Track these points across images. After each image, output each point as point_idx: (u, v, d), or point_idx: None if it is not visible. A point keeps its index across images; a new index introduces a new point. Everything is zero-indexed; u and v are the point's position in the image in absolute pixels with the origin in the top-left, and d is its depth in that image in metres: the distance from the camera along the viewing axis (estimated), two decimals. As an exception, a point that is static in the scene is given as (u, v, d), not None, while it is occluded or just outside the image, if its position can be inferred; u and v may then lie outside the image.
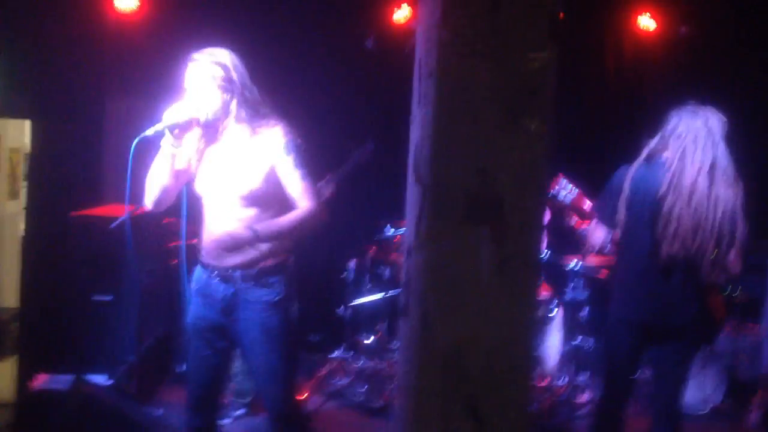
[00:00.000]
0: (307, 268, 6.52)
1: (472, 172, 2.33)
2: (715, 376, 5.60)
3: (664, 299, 3.86)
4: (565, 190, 4.54)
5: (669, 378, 3.98)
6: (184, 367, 4.37)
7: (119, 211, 4.26)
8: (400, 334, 2.57)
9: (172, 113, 3.17)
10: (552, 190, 4.44)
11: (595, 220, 4.10)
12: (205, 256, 3.37)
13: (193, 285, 3.43)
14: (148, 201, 3.32)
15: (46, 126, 5.04)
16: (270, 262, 3.33)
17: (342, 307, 5.46)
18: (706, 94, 4.10)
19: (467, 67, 2.31)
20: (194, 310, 3.42)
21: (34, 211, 4.99)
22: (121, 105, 5.38)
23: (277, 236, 3.27)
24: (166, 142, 3.21)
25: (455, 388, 2.37)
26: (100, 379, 4.50)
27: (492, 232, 2.36)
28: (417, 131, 2.46)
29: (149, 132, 3.17)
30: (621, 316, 3.99)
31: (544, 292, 5.57)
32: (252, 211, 3.27)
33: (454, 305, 2.37)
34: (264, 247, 3.27)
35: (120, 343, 4.71)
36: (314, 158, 4.90)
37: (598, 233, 4.09)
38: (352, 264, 5.43)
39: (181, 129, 3.19)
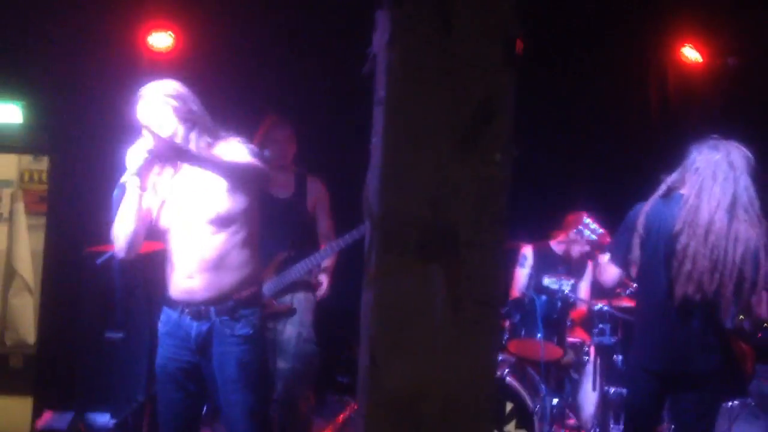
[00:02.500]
0: (337, 308, 6.46)
1: (424, 204, 2.19)
2: (763, 429, 5.23)
3: (682, 346, 3.59)
4: (589, 229, 4.34)
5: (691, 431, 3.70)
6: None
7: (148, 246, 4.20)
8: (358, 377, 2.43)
9: (135, 154, 3.10)
10: (576, 230, 4.24)
11: (608, 258, 3.88)
12: (174, 293, 3.27)
13: (161, 327, 3.34)
14: (121, 250, 3.23)
15: (66, 162, 5.09)
16: (244, 294, 3.23)
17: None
18: (752, 127, 3.85)
19: (418, 92, 2.19)
20: (164, 352, 3.31)
21: (52, 247, 5.02)
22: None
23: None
24: (133, 186, 3.13)
25: (407, 436, 2.21)
26: (104, 419, 4.44)
27: (446, 269, 2.21)
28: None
29: (125, 179, 3.13)
30: (639, 364, 3.76)
31: (579, 336, 5.33)
32: (223, 236, 3.19)
33: (405, 347, 2.22)
34: (239, 276, 3.20)
35: (129, 383, 4.65)
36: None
37: (609, 272, 3.88)
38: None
39: (146, 168, 3.14)
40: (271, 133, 4.71)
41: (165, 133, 3.14)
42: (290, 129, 4.78)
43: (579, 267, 5.55)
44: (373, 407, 2.22)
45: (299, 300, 4.65)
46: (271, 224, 4.67)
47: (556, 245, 5.59)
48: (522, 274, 5.54)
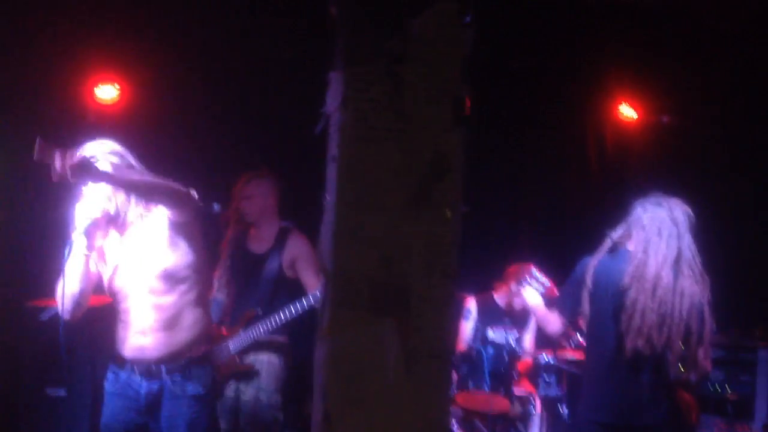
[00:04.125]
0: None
1: (376, 260, 2.24)
2: (706, 479, 5.33)
3: (630, 399, 3.65)
4: (537, 281, 4.42)
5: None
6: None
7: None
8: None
9: (84, 214, 3.08)
10: (523, 281, 4.31)
11: (555, 310, 3.94)
12: (125, 351, 3.25)
13: (108, 386, 3.30)
14: (67, 312, 3.18)
15: (10, 216, 5.04)
16: (196, 353, 3.21)
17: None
18: (688, 182, 3.98)
19: (370, 150, 2.25)
20: (110, 412, 3.27)
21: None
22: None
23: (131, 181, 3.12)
24: (80, 245, 3.11)
25: (360, 490, 2.22)
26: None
27: (398, 323, 2.25)
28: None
29: (74, 237, 3.09)
30: (588, 416, 3.79)
31: (525, 388, 5.39)
32: (174, 295, 3.19)
33: (357, 400, 2.24)
34: (191, 334, 3.18)
35: (71, 440, 4.56)
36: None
37: (553, 323, 3.93)
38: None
39: (96, 227, 3.12)
40: (242, 190, 4.69)
41: (104, 193, 3.13)
42: (266, 184, 4.73)
43: (522, 318, 5.63)
44: (326, 462, 2.23)
45: (261, 362, 4.53)
46: (244, 280, 4.64)
47: (499, 297, 5.67)
48: (467, 327, 5.60)
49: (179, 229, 3.20)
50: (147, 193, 3.13)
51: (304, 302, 4.45)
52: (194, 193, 3.25)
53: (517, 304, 5.55)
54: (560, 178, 6.67)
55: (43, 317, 3.89)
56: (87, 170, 2.84)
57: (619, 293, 3.62)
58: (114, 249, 3.26)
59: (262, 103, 6.01)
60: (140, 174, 3.16)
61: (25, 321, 4.66)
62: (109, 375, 3.29)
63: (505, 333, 5.44)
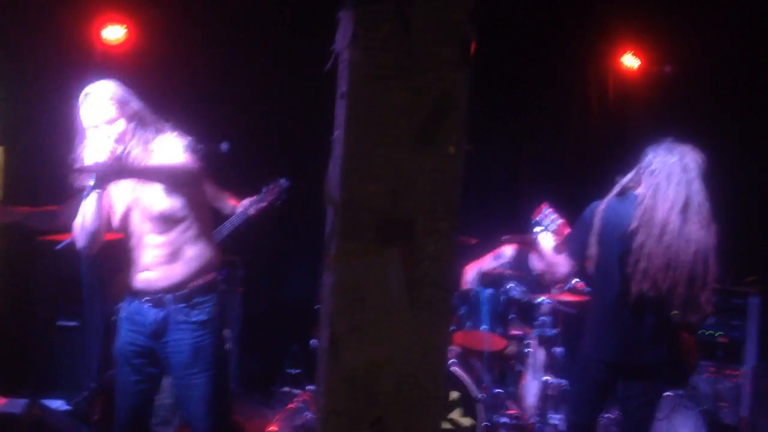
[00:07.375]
0: (285, 299, 6.59)
1: (382, 193, 2.34)
2: (695, 420, 5.47)
3: (633, 338, 3.77)
4: (548, 219, 4.49)
5: (635, 418, 3.88)
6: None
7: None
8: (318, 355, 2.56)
9: (94, 154, 3.17)
10: (535, 218, 4.38)
11: (563, 253, 4.03)
12: (135, 283, 3.40)
13: (122, 312, 3.46)
14: (83, 247, 3.33)
15: (20, 152, 5.13)
16: (199, 282, 3.34)
17: (315, 340, 5.41)
18: (688, 131, 4.05)
19: (378, 88, 2.33)
20: (122, 336, 3.44)
21: (4, 235, 5.04)
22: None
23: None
24: (92, 185, 3.21)
25: (363, 410, 2.35)
26: (58, 404, 4.50)
27: (402, 254, 2.36)
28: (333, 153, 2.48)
29: (91, 182, 3.20)
30: (591, 353, 3.91)
31: (519, 329, 5.52)
32: (174, 233, 3.31)
33: (362, 326, 2.36)
34: (193, 266, 3.30)
35: (83, 370, 4.73)
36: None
37: (561, 265, 4.02)
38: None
39: (105, 167, 3.20)
40: None
41: (112, 132, 3.22)
42: None
43: None
44: (332, 383, 2.35)
45: None
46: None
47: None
48: (491, 265, 5.68)
49: (177, 176, 3.30)
50: (150, 180, 3.26)
51: (229, 224, 4.54)
52: (198, 147, 3.34)
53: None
54: (562, 127, 6.75)
55: (58, 247, 4.01)
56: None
57: (626, 237, 3.70)
58: (119, 190, 3.37)
59: (270, 42, 6.05)
60: (141, 167, 3.26)
61: (38, 256, 4.77)
62: (123, 303, 3.44)
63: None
